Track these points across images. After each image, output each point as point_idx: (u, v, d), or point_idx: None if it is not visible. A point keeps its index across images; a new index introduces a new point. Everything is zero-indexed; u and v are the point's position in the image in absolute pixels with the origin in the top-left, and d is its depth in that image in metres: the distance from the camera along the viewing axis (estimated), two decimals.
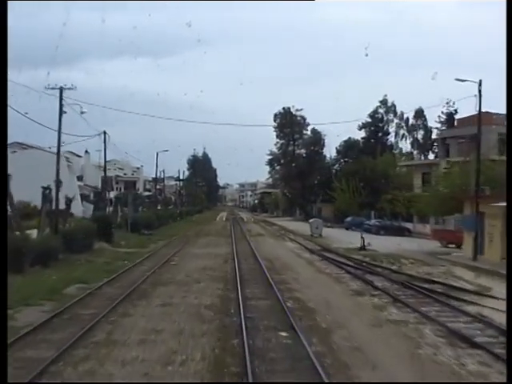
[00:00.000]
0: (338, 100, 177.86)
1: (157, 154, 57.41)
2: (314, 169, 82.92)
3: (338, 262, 24.89)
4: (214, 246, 32.68)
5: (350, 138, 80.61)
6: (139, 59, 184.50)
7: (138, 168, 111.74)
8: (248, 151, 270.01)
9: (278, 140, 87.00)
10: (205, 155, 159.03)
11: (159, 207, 70.18)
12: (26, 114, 25.91)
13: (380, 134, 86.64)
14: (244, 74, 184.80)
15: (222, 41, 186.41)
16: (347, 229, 57.28)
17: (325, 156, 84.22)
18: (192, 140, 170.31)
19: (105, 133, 43.04)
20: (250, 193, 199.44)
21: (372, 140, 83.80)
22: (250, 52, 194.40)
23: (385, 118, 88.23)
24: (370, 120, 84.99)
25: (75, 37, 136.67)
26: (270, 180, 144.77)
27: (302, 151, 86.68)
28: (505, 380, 7.14)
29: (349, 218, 58.49)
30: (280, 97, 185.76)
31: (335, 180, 64.49)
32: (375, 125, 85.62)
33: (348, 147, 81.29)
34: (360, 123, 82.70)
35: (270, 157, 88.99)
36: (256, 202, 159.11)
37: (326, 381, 7.92)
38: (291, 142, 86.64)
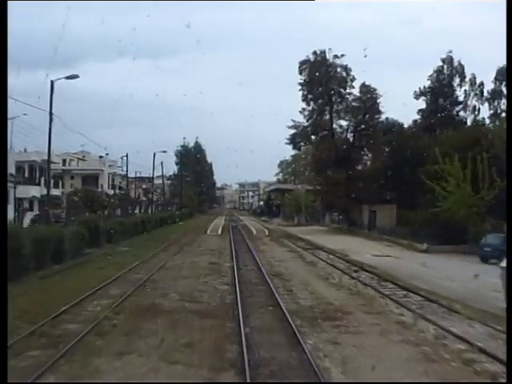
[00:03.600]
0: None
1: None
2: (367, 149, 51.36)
3: None
4: None
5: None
6: (138, 60, 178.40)
7: (100, 157, 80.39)
8: (248, 152, 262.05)
9: (305, 105, 54.09)
10: (197, 146, 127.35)
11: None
12: (25, 114, 31.58)
13: (447, 104, 56.97)
14: (243, 75, 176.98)
15: (221, 42, 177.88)
16: (485, 261, 26.05)
17: (386, 127, 52.01)
18: (191, 140, 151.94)
19: None
20: (251, 193, 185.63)
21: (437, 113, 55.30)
22: (249, 53, 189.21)
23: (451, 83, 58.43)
24: (431, 85, 55.35)
25: (74, 38, 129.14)
26: (280, 176, 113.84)
27: (345, 122, 53.99)
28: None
29: (494, 238, 26.74)
30: (280, 97, 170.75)
31: (441, 159, 32.27)
32: (440, 91, 55.96)
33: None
34: (417, 89, 54.33)
35: (292, 131, 55.05)
36: (262, 203, 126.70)
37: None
38: (327, 108, 53.72)
